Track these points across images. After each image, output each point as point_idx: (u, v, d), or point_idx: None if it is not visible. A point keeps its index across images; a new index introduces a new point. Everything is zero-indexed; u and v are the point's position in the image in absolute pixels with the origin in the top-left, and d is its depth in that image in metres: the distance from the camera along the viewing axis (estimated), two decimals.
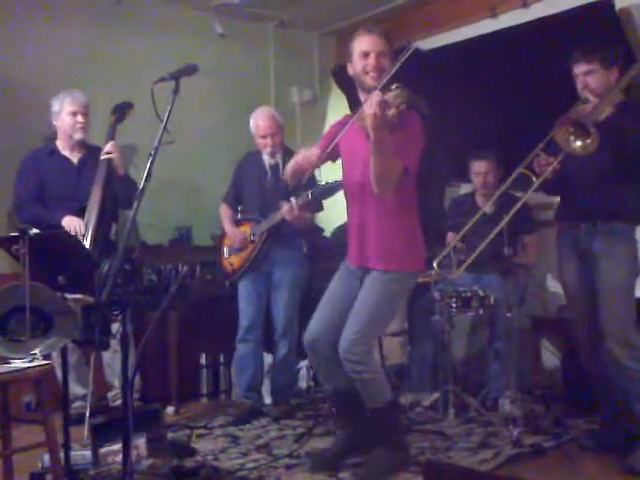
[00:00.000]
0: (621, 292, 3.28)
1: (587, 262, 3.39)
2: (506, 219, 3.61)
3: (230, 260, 4.44)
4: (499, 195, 3.73)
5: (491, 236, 3.55)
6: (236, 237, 4.36)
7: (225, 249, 4.49)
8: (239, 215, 4.51)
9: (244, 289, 4.40)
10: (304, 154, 3.29)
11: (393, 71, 3.01)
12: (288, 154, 4.44)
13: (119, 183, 4.06)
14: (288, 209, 3.98)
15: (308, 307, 3.54)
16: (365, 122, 2.91)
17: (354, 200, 3.32)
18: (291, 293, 4.35)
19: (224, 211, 4.54)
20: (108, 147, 4.07)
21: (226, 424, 4.23)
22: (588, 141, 3.06)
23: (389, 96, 2.94)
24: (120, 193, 4.04)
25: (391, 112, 2.91)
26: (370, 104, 2.85)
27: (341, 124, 3.41)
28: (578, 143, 3.11)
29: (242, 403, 4.43)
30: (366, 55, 3.16)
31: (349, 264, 3.39)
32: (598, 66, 3.29)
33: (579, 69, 3.34)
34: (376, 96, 2.86)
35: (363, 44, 3.18)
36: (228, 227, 4.46)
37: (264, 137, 4.32)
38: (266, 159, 4.38)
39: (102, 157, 4.07)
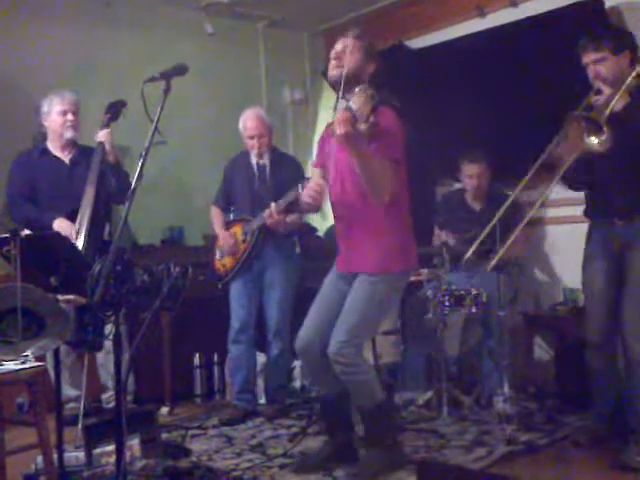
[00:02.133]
0: None
1: (618, 261, 3.30)
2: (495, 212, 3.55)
3: (223, 262, 4.43)
4: (508, 201, 3.51)
5: (483, 235, 3.51)
6: (226, 242, 4.36)
7: (218, 251, 4.48)
8: (231, 216, 4.50)
9: (235, 290, 4.39)
10: (308, 193, 3.26)
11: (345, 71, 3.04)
12: (277, 155, 4.45)
13: (111, 170, 4.02)
14: (268, 214, 4.03)
15: (301, 307, 3.54)
16: (336, 133, 2.89)
17: (339, 203, 3.31)
18: (284, 293, 4.34)
19: (215, 214, 4.53)
20: (101, 134, 4.05)
21: (220, 424, 4.23)
22: (603, 137, 2.93)
23: (354, 102, 2.94)
24: (112, 182, 3.98)
25: (362, 127, 2.90)
26: (338, 123, 2.85)
27: (326, 135, 3.42)
28: (593, 140, 2.97)
29: (235, 406, 4.42)
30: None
31: (339, 270, 3.38)
32: (608, 53, 3.15)
33: (588, 58, 3.20)
34: (342, 114, 2.86)
35: (337, 44, 3.25)
36: (219, 230, 4.45)
37: (252, 138, 4.33)
38: (254, 160, 4.38)
39: (97, 140, 4.05)
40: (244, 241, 4.33)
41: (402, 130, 3.19)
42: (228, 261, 4.40)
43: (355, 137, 2.89)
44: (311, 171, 3.56)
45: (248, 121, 4.34)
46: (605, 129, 2.92)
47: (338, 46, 3.23)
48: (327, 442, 3.46)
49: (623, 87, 3.08)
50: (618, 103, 3.09)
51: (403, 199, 3.29)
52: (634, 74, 3.11)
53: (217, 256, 4.48)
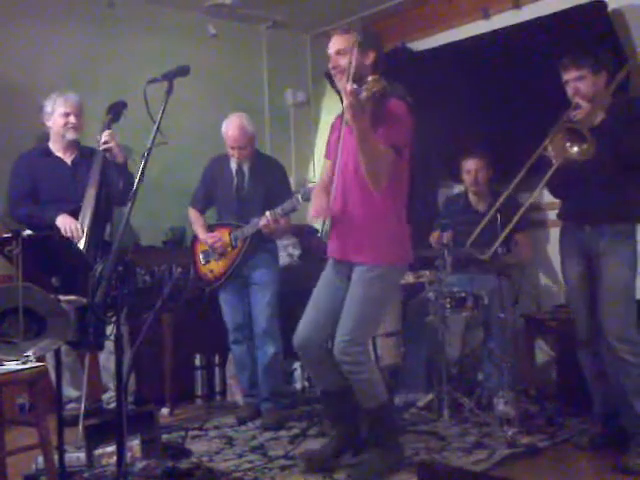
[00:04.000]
0: (624, 290, 3.35)
1: (591, 261, 3.46)
2: (488, 213, 3.59)
3: (209, 267, 4.40)
4: (502, 197, 3.70)
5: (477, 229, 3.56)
6: (215, 244, 4.32)
7: (201, 255, 4.45)
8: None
9: (226, 294, 4.38)
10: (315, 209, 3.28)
11: (353, 63, 3.05)
12: (261, 159, 4.41)
13: (117, 172, 4.01)
14: (264, 223, 4.02)
15: (300, 308, 3.53)
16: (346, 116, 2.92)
17: (340, 191, 3.31)
18: (271, 293, 4.29)
19: (194, 216, 4.47)
20: (104, 136, 4.05)
21: (238, 423, 4.27)
22: (584, 146, 3.10)
23: (365, 86, 2.96)
24: (117, 184, 3.97)
25: (363, 95, 2.90)
26: (344, 96, 2.86)
27: (335, 127, 3.43)
28: (575, 149, 3.15)
29: (249, 404, 4.44)
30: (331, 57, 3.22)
31: (332, 258, 3.38)
32: (588, 72, 3.35)
33: (569, 75, 3.39)
34: (346, 86, 2.87)
35: (329, 47, 3.24)
36: (203, 234, 4.39)
37: (232, 148, 4.30)
38: (234, 166, 4.35)
39: (100, 147, 4.02)
40: (234, 247, 4.30)
41: (410, 123, 3.18)
42: (215, 267, 4.36)
43: (360, 108, 2.87)
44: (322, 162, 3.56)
45: (229, 131, 4.27)
46: (588, 139, 3.08)
47: (330, 47, 3.21)
48: (332, 437, 3.47)
49: (603, 104, 3.29)
50: (596, 118, 3.29)
51: (403, 193, 3.30)
52: (613, 86, 3.35)
53: (201, 261, 4.45)
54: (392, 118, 3.10)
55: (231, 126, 4.28)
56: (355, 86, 2.93)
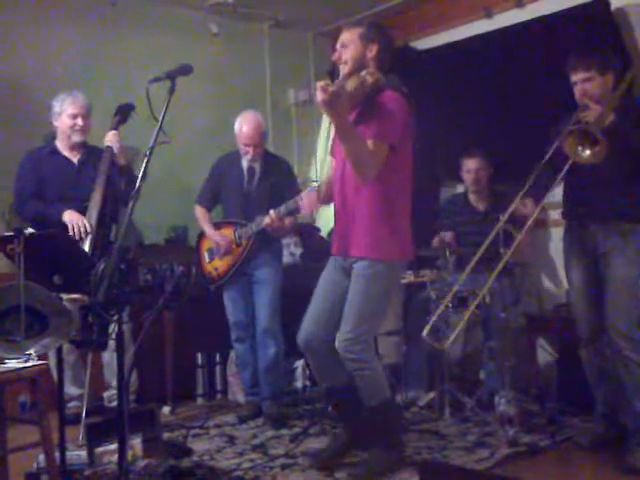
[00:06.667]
0: (629, 288, 3.37)
1: (595, 260, 3.47)
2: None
3: (214, 265, 4.40)
4: (515, 202, 3.63)
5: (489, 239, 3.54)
6: (221, 241, 4.32)
7: (206, 253, 4.46)
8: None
9: (230, 292, 4.39)
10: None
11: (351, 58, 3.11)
12: (268, 158, 4.41)
13: (119, 173, 4.02)
14: (268, 221, 4.02)
15: (300, 307, 3.53)
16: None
17: (338, 187, 3.31)
18: (273, 292, 4.30)
19: (201, 214, 4.47)
20: (109, 137, 4.05)
21: (238, 421, 4.28)
22: (597, 149, 3.09)
23: (352, 79, 3.00)
24: (121, 185, 3.97)
25: (348, 87, 2.93)
26: (318, 93, 2.84)
27: None
28: (588, 152, 3.14)
29: (250, 402, 4.45)
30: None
31: (334, 254, 3.38)
32: (595, 73, 3.34)
33: (578, 76, 3.37)
34: (319, 83, 2.87)
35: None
36: (211, 231, 4.40)
37: (246, 145, 4.28)
38: (245, 163, 4.34)
39: (105, 144, 4.04)
40: (238, 245, 4.30)
41: (405, 115, 3.16)
42: (220, 265, 4.37)
43: (333, 104, 2.85)
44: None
45: (244, 127, 4.25)
46: (601, 142, 3.06)
47: (337, 44, 3.23)
48: (340, 433, 3.49)
49: (612, 105, 3.26)
50: (607, 120, 3.27)
51: (404, 188, 3.27)
52: (622, 87, 3.33)
53: (206, 259, 4.45)
54: (384, 111, 3.09)
55: (246, 123, 4.27)
56: (340, 80, 2.96)
